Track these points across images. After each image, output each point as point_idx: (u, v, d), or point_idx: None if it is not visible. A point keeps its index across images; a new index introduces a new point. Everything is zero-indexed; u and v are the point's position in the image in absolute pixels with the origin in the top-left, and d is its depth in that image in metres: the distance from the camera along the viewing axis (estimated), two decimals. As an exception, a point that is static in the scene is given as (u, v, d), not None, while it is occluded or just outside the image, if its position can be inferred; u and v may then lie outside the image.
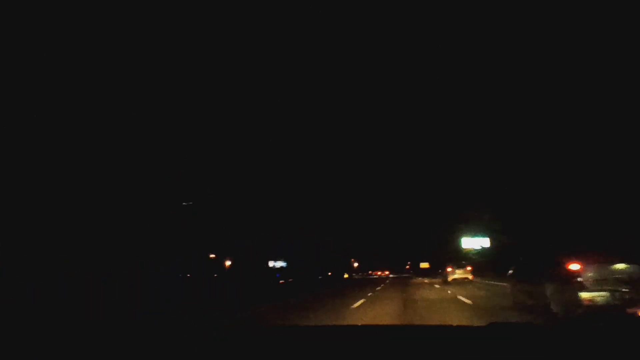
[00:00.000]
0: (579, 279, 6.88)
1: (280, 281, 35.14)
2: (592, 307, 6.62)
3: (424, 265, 77.35)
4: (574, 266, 6.98)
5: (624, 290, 6.45)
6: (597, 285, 6.70)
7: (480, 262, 38.24)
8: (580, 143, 24.28)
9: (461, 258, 42.95)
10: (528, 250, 10.15)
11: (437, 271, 31.56)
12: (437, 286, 22.49)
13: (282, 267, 58.87)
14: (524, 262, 9.62)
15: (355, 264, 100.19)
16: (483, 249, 46.43)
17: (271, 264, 58.09)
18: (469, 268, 26.17)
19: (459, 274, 25.63)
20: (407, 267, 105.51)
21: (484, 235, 46.43)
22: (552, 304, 7.52)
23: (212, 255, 38.61)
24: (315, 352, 1.99)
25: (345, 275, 51.71)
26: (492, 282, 20.58)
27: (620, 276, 6.71)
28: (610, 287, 6.54)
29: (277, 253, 58.77)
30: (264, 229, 50.86)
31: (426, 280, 35.03)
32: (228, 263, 42.52)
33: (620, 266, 6.84)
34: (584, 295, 6.72)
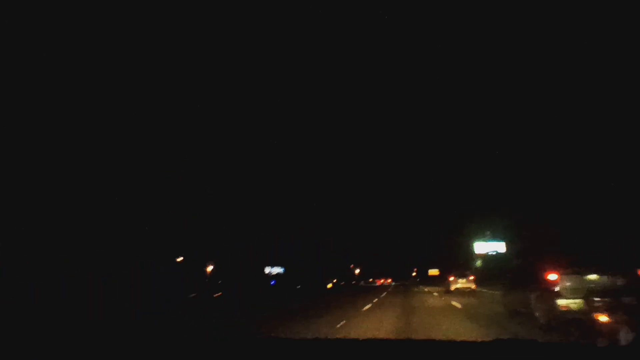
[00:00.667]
0: (556, 288, 7.76)
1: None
2: (568, 314, 7.51)
3: (433, 272, 72.55)
4: (552, 276, 7.86)
5: (595, 298, 7.33)
6: (572, 294, 7.58)
7: (494, 269, 35.64)
8: (598, 143, 24.50)
9: (472, 264, 42.05)
10: (519, 259, 11.02)
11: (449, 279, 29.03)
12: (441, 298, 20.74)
13: (278, 274, 57.97)
14: (516, 270, 10.53)
15: (357, 271, 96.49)
16: (498, 254, 43.71)
17: (267, 270, 57.20)
18: (471, 277, 26.42)
19: (461, 283, 25.92)
20: (414, 274, 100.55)
21: (499, 240, 44.21)
22: (535, 311, 8.43)
23: (179, 259, 34.12)
24: None
25: (329, 285, 45.72)
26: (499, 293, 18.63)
27: (592, 285, 7.60)
28: (583, 296, 7.41)
29: (275, 258, 57.89)
30: (263, 230, 50.79)
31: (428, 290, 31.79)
32: (209, 269, 38.55)
33: (593, 277, 7.73)
34: (561, 302, 7.61)
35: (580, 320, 7.25)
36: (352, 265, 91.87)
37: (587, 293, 7.41)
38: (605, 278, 7.65)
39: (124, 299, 23.52)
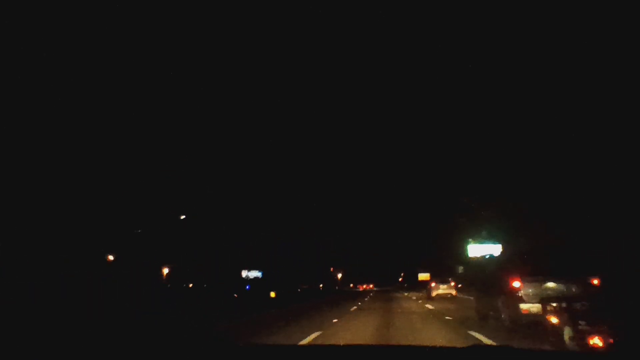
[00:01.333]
0: (519, 294, 9.14)
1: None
2: (529, 316, 8.90)
3: (424, 276, 66.87)
4: (516, 283, 9.23)
5: (551, 303, 8.68)
6: (532, 299, 8.94)
7: (485, 274, 35.87)
8: (599, 141, 24.69)
9: (456, 270, 42.59)
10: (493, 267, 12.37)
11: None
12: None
13: (256, 278, 57.19)
14: (486, 278, 11.93)
15: (339, 275, 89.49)
16: (493, 257, 42.50)
17: (244, 273, 56.31)
18: (452, 283, 27.77)
19: (442, 289, 27.10)
20: (400, 279, 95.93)
21: (494, 242, 41.11)
22: (502, 314, 9.82)
23: (110, 257, 30.66)
24: None
25: (272, 294, 37.42)
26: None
27: (549, 292, 8.95)
28: (540, 301, 8.78)
29: (253, 261, 56.55)
30: (242, 231, 50.13)
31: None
32: (166, 271, 35.94)
33: (551, 284, 9.09)
34: (523, 306, 8.98)
35: (537, 322, 8.63)
36: (332, 269, 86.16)
37: (544, 298, 8.78)
38: (561, 285, 9.01)
39: (124, 299, 24.61)
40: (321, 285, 68.89)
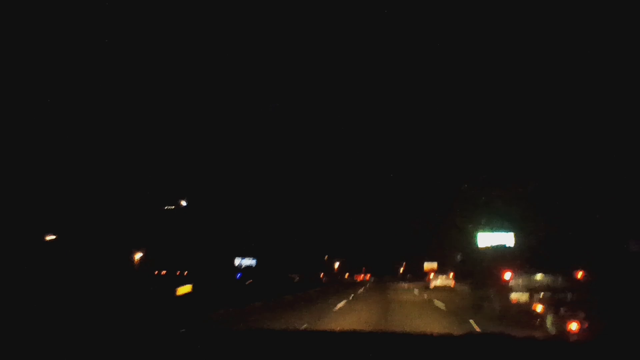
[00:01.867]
0: (510, 284, 10.28)
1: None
2: (518, 305, 10.04)
3: (430, 265, 60.68)
4: (507, 275, 10.37)
5: (538, 293, 9.83)
6: (521, 289, 10.08)
7: (484, 266, 34.77)
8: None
9: (455, 260, 42.66)
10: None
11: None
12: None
13: (249, 266, 55.97)
14: (482, 270, 13.09)
15: (336, 265, 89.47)
16: (504, 248, 38.94)
17: (237, 261, 55.99)
18: (451, 275, 28.67)
19: (441, 280, 28.11)
20: (402, 269, 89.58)
21: (507, 230, 38.81)
22: (494, 303, 10.97)
23: (50, 237, 28.48)
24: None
25: (183, 290, 30.27)
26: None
27: (537, 284, 10.11)
28: (528, 291, 9.94)
29: (246, 248, 56.11)
30: (235, 216, 49.96)
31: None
32: (138, 256, 32.29)
33: (539, 276, 10.23)
34: (513, 295, 10.12)
35: (525, 310, 9.77)
36: (326, 257, 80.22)
37: (532, 289, 9.93)
38: (547, 278, 10.16)
39: (124, 298, 25.34)
40: (322, 275, 68.58)
